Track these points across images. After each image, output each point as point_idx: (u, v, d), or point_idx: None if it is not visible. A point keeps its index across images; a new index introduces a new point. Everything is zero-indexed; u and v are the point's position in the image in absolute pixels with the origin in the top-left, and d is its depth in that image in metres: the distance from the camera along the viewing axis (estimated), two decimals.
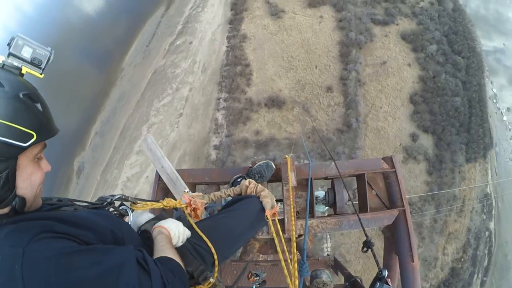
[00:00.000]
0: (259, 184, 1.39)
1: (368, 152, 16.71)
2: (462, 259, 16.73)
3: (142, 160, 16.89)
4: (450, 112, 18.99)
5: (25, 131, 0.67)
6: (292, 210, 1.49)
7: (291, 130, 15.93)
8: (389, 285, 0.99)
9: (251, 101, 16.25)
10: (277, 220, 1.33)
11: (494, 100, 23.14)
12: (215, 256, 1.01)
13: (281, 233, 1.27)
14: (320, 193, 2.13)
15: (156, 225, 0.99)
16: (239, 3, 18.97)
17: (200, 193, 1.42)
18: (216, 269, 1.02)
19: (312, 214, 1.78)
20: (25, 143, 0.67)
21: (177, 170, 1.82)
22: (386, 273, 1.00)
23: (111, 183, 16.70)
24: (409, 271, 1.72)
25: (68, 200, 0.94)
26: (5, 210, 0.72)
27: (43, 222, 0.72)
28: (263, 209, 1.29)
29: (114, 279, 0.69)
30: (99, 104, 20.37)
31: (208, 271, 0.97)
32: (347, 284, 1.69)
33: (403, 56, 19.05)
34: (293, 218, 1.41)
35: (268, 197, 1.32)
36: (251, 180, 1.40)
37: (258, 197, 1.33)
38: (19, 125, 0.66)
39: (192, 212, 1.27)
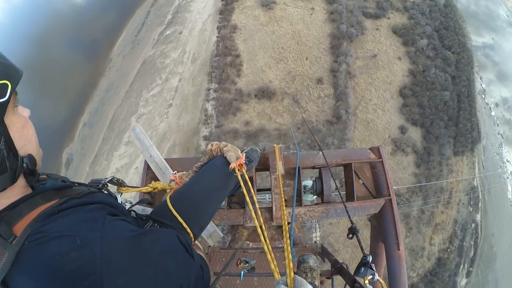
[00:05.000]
0: (222, 142, 1.37)
1: (357, 144, 16.80)
2: (449, 250, 16.99)
3: (131, 151, 16.71)
4: (439, 106, 19.10)
5: None
6: (281, 197, 1.48)
7: (281, 121, 15.94)
8: (373, 270, 0.99)
9: (241, 92, 16.18)
10: (245, 172, 1.29)
11: (483, 95, 23.29)
12: (191, 235, 1.03)
13: (249, 182, 1.27)
14: (308, 182, 2.12)
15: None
16: None
17: (184, 172, 1.44)
18: (193, 241, 1.05)
19: (299, 203, 1.79)
20: (4, 96, 0.57)
21: (165, 159, 1.82)
22: (370, 258, 1.02)
23: (100, 174, 16.49)
24: (395, 259, 1.74)
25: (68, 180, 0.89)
26: (22, 183, 0.67)
27: (100, 205, 0.73)
28: (228, 164, 1.26)
29: (172, 258, 0.76)
30: (87, 94, 20.02)
31: None
32: (333, 269, 1.71)
33: (394, 49, 19.10)
34: (283, 204, 1.39)
35: (230, 151, 1.29)
36: (213, 142, 1.39)
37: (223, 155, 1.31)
38: None
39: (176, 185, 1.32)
